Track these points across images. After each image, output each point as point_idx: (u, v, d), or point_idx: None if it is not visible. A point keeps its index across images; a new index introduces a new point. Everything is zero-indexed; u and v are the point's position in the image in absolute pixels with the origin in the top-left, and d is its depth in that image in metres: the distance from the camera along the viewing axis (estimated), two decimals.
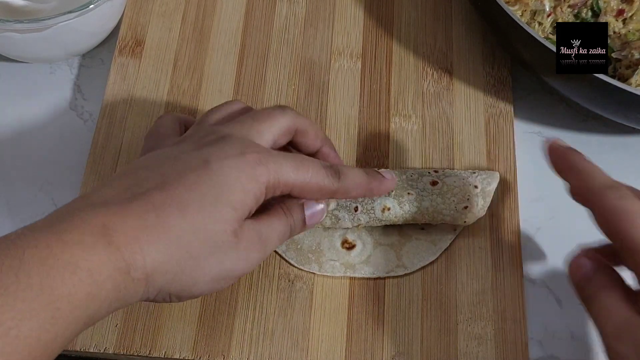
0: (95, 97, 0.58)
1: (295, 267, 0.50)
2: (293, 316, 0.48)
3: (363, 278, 0.50)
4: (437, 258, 0.50)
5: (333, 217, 0.48)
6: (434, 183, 0.48)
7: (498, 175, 0.50)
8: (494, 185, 0.49)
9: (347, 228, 0.50)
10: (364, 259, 0.50)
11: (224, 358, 0.47)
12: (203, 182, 0.39)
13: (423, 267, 0.50)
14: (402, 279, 0.50)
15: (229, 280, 0.41)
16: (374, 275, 0.49)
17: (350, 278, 0.50)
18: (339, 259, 0.50)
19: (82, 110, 0.58)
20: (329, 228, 0.50)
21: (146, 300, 0.39)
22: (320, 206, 0.45)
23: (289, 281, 0.50)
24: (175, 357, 0.47)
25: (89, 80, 0.59)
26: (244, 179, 0.40)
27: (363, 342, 0.48)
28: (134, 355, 0.47)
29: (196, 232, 0.38)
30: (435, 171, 0.50)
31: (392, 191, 0.48)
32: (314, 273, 0.50)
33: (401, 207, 0.48)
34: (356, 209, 0.48)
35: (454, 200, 0.48)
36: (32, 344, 0.33)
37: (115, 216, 0.37)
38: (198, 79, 0.57)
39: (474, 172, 0.50)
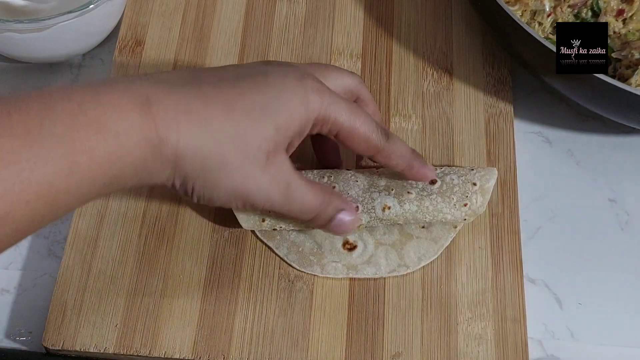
0: None
1: (298, 269, 0.50)
2: (293, 316, 0.48)
3: (363, 278, 0.50)
4: (438, 257, 0.50)
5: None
6: (433, 182, 0.48)
7: (496, 172, 0.50)
8: (492, 182, 0.49)
9: None
10: (365, 260, 0.50)
11: (224, 358, 0.47)
12: (256, 91, 0.39)
13: (424, 266, 0.50)
14: (402, 279, 0.50)
15: (242, 201, 0.41)
16: (377, 276, 0.49)
17: (351, 278, 0.50)
18: (340, 260, 0.50)
19: None
20: None
21: (170, 187, 0.39)
22: (353, 217, 0.45)
23: (289, 281, 0.50)
24: (175, 357, 0.47)
25: (89, 80, 0.59)
26: (296, 102, 0.40)
27: (363, 342, 0.48)
28: (134, 355, 0.47)
29: (234, 137, 0.38)
30: (435, 168, 0.50)
31: (392, 190, 0.48)
32: (316, 275, 0.50)
33: (401, 206, 0.48)
34: (357, 209, 0.48)
35: (453, 199, 0.48)
36: (43, 190, 0.33)
37: (161, 93, 0.37)
38: None
39: (472, 169, 0.50)
